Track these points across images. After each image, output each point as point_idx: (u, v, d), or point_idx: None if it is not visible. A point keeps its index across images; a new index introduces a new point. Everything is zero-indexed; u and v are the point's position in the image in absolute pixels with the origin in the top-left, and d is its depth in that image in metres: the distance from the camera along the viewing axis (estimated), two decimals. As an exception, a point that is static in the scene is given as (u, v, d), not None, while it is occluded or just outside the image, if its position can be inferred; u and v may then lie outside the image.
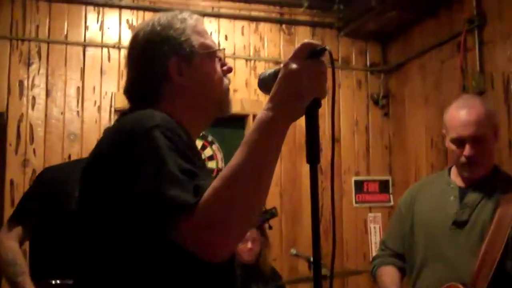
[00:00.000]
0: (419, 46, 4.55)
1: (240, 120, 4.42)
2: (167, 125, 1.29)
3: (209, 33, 1.58)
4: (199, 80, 1.48)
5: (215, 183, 1.18)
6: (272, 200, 4.35)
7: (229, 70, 1.57)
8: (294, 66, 1.21)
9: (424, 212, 2.35)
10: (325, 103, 4.74)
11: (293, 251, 3.45)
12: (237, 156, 1.19)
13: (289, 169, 4.30)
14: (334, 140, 1.27)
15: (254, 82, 4.49)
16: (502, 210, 2.13)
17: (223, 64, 1.55)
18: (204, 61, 1.50)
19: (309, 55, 1.24)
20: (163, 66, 1.46)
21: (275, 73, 1.30)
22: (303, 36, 4.64)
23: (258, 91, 4.62)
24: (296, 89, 1.20)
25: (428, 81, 4.46)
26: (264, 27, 4.64)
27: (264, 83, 1.34)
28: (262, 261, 3.70)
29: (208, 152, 4.40)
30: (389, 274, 2.42)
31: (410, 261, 2.39)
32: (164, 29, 1.49)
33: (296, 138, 4.28)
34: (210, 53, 1.52)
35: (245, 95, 4.45)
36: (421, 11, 4.38)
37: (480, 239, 2.14)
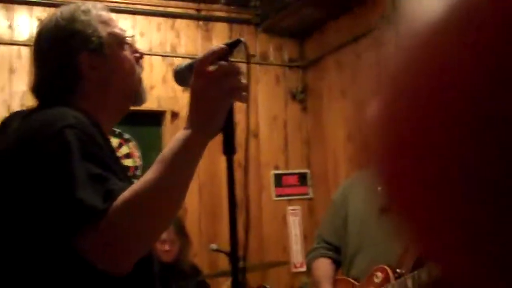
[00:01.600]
0: (335, 41, 4.62)
1: (157, 117, 4.36)
2: (80, 125, 1.23)
3: (116, 21, 1.53)
4: (110, 71, 1.43)
5: (127, 195, 1.13)
6: (190, 196, 4.32)
7: (141, 56, 1.53)
8: (199, 81, 1.18)
9: (357, 203, 2.43)
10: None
11: (213, 246, 3.44)
12: (153, 171, 1.16)
13: (207, 164, 4.26)
14: (249, 131, 1.24)
15: (171, 79, 4.41)
16: None
17: (134, 51, 1.51)
18: (113, 51, 1.44)
19: (225, 53, 1.21)
20: (73, 62, 1.40)
21: (190, 66, 1.27)
22: (221, 32, 4.62)
23: (175, 87, 4.59)
24: (208, 105, 1.18)
25: (345, 75, 4.54)
26: (181, 23, 4.59)
27: (180, 76, 1.32)
28: (181, 260, 3.67)
29: (124, 150, 4.30)
30: (322, 266, 2.48)
31: (344, 251, 2.46)
32: (69, 23, 1.42)
33: (215, 133, 4.25)
34: (119, 42, 1.47)
35: (162, 92, 4.39)
36: (336, 7, 4.44)
37: None
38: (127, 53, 1.47)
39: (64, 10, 1.46)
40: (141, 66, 1.51)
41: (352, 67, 4.44)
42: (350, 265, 2.39)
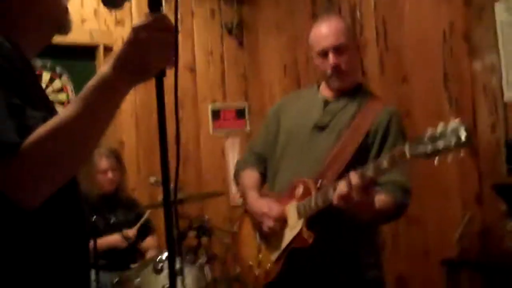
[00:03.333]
0: (271, -25, 4.59)
1: (89, 51, 4.24)
2: None
3: None
4: None
5: (42, 130, 1.10)
6: (128, 130, 4.27)
7: None
8: (143, 35, 1.12)
9: (289, 118, 2.42)
10: (179, 31, 4.61)
11: (152, 179, 3.42)
12: (70, 108, 1.13)
13: (145, 99, 4.22)
14: (177, 59, 1.22)
15: (103, 12, 4.31)
16: (359, 118, 2.25)
17: None
18: None
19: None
20: None
21: None
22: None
23: (108, 21, 4.44)
24: (143, 61, 1.13)
25: (280, 10, 4.53)
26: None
27: None
28: (120, 190, 3.66)
29: (57, 84, 4.18)
30: (250, 176, 2.47)
31: (271, 163, 2.44)
32: None
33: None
34: None
35: (95, 25, 4.26)
36: None
37: (336, 141, 2.23)
38: None
39: None
40: None
41: (287, 2, 4.43)
42: (274, 178, 2.39)
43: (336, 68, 2.28)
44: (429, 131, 1.79)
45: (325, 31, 2.31)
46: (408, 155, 1.82)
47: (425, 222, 3.33)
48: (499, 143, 2.89)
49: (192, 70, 4.63)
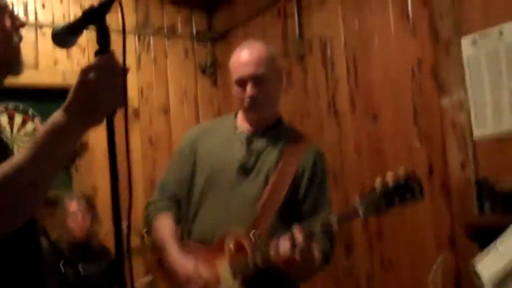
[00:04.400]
0: (243, 13, 4.60)
1: (62, 93, 4.09)
2: None
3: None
4: None
5: None
6: (100, 174, 4.21)
7: (22, 25, 1.45)
8: (91, 77, 1.12)
9: (208, 155, 2.23)
10: (153, 72, 4.58)
11: (124, 224, 3.35)
12: (21, 155, 1.12)
13: (117, 142, 4.17)
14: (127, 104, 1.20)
15: (76, 53, 4.29)
16: (285, 160, 2.12)
17: (14, 20, 1.43)
18: None
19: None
20: None
21: (69, 27, 1.23)
22: (126, 5, 4.48)
23: (81, 62, 4.39)
24: (92, 102, 1.13)
25: (253, 49, 4.53)
26: (84, -5, 4.43)
27: (58, 37, 1.25)
28: (92, 237, 3.58)
29: (30, 126, 4.14)
30: (165, 226, 2.22)
31: (187, 206, 2.24)
32: None
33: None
34: None
35: (67, 67, 4.23)
36: (243, -22, 4.41)
37: (264, 185, 2.10)
38: (5, 21, 1.40)
39: None
40: (20, 36, 1.44)
41: (259, 40, 4.42)
42: (193, 223, 2.20)
43: (253, 100, 2.13)
44: (379, 184, 1.72)
45: (245, 59, 2.15)
46: (361, 214, 1.76)
47: (399, 265, 3.28)
48: (469, 182, 2.86)
49: (167, 111, 4.60)
